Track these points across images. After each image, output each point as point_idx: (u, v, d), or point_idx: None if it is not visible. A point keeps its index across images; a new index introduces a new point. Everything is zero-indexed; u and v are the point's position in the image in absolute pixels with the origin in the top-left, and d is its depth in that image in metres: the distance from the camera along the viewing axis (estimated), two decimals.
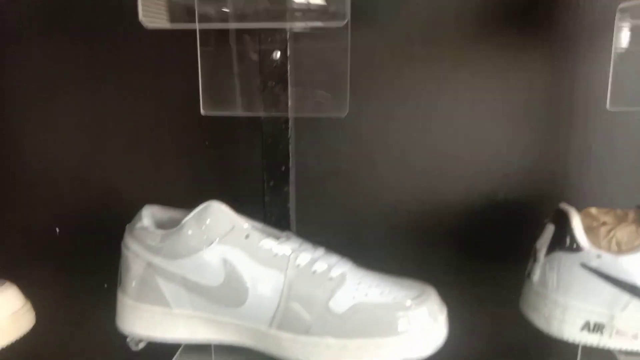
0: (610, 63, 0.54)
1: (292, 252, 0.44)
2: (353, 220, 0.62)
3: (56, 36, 0.63)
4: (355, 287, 0.43)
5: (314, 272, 0.43)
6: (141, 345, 0.50)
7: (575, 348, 0.47)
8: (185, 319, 0.46)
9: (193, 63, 0.45)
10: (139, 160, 0.65)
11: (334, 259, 0.45)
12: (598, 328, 0.45)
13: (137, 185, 0.65)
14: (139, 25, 0.45)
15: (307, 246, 0.46)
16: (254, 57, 0.49)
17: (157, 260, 0.45)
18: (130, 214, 0.50)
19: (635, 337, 0.44)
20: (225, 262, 0.44)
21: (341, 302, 0.42)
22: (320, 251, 0.46)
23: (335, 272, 0.43)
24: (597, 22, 0.56)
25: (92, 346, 0.70)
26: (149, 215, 0.49)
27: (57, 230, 0.68)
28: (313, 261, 0.44)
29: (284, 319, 0.43)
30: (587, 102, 0.57)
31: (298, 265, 0.43)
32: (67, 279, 0.69)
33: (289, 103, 0.49)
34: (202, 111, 0.49)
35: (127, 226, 0.50)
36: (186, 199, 0.50)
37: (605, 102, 0.57)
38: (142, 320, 0.47)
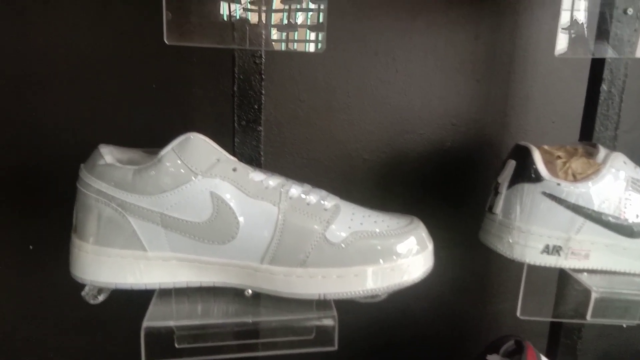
0: (547, 19, 0.60)
1: (283, 185, 0.42)
2: (311, 166, 0.62)
3: None
4: (349, 217, 0.42)
5: (308, 203, 0.42)
6: (101, 298, 0.45)
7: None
8: (162, 261, 0.42)
9: None
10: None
11: (323, 192, 0.44)
12: (556, 250, 0.49)
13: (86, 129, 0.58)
14: None
15: (293, 181, 0.45)
16: None
17: (130, 199, 0.41)
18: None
19: (586, 256, 0.49)
20: (212, 195, 0.41)
21: (337, 231, 0.41)
22: (307, 185, 0.45)
23: (329, 204, 0.43)
24: None
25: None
26: (109, 153, 0.44)
27: None
28: (305, 193, 0.43)
29: (277, 253, 0.41)
30: (526, 55, 0.63)
31: (291, 198, 0.42)
32: None
33: (263, 36, 0.47)
34: (165, 40, 0.44)
35: (83, 166, 0.44)
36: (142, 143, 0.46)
37: (542, 55, 0.63)
38: (108, 266, 0.42)
